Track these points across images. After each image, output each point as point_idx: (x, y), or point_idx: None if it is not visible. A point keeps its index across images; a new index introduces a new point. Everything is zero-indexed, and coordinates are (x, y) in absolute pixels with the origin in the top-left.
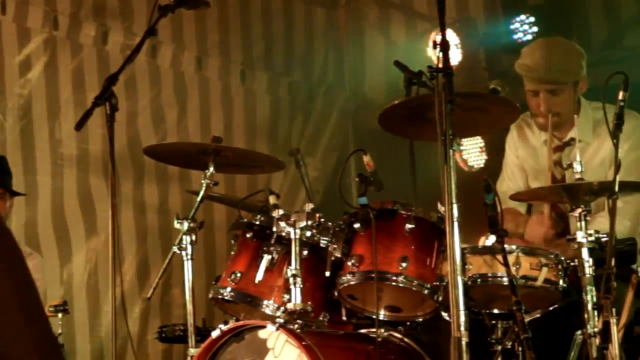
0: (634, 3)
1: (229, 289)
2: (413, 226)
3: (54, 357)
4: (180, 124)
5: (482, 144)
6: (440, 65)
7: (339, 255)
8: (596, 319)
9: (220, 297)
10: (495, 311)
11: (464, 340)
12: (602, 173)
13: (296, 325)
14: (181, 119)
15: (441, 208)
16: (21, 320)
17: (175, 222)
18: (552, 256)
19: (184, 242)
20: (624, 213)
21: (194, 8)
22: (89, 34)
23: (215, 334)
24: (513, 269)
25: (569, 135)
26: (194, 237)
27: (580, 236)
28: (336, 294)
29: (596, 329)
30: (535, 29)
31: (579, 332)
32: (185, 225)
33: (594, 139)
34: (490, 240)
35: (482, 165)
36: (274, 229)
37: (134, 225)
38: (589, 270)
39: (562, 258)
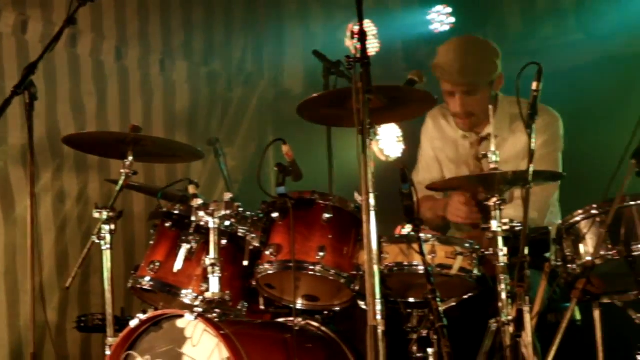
0: None
1: (147, 278)
2: (331, 216)
3: None
4: (100, 113)
5: (399, 134)
6: (358, 55)
7: (257, 245)
8: (510, 307)
9: (139, 286)
10: (411, 300)
11: (380, 329)
12: (515, 166)
13: (214, 315)
14: (101, 108)
15: (358, 197)
16: None
17: (95, 211)
18: (467, 245)
19: (103, 231)
20: (531, 204)
21: None
22: (8, 23)
23: (133, 323)
24: (429, 257)
25: (485, 130)
26: (113, 227)
27: (494, 225)
28: (254, 283)
29: (510, 317)
30: (452, 19)
31: (493, 320)
32: (105, 214)
33: (510, 134)
34: (407, 229)
35: (399, 155)
36: (193, 219)
37: (53, 214)
38: (503, 259)
39: (477, 247)
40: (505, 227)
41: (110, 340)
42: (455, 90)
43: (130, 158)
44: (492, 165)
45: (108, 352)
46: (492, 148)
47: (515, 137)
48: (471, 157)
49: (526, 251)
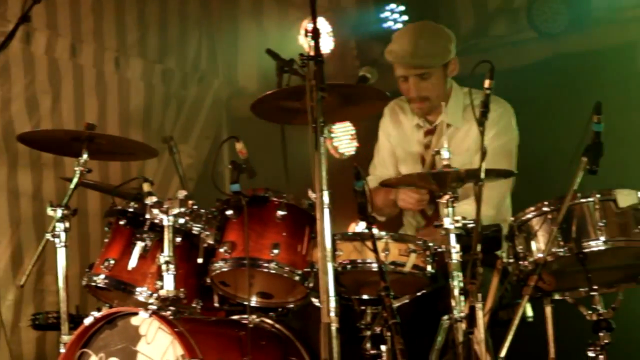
0: None
1: (102, 276)
2: (285, 213)
3: None
4: (55, 111)
5: (353, 131)
6: (312, 53)
7: (211, 242)
8: (462, 304)
9: (93, 284)
10: (365, 297)
11: (334, 326)
12: (468, 159)
13: (169, 312)
14: (55, 106)
15: (312, 195)
16: None
17: (49, 209)
18: (420, 242)
19: (58, 229)
20: (487, 201)
21: None
22: None
23: (87, 321)
24: (382, 255)
25: (439, 118)
26: (67, 224)
27: (447, 222)
28: (209, 280)
29: (462, 314)
30: (405, 17)
31: (445, 317)
32: (59, 212)
33: (463, 123)
34: (360, 226)
35: (352, 153)
36: (147, 216)
37: (7, 212)
38: (455, 256)
39: (430, 244)
40: (457, 225)
41: (64, 338)
42: (408, 75)
43: (85, 156)
44: (444, 162)
45: (62, 350)
46: (445, 144)
47: (469, 127)
48: (424, 148)
49: (478, 248)
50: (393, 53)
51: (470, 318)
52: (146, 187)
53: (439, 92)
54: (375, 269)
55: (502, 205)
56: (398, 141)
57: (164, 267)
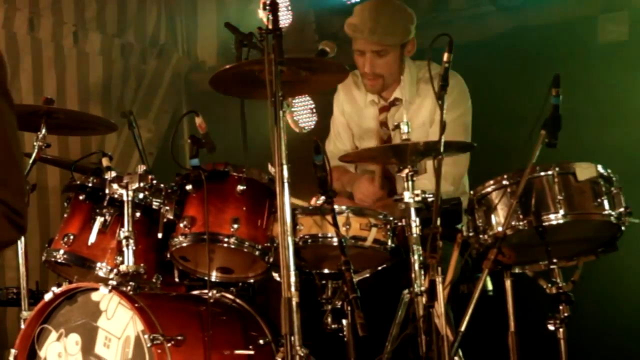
0: None
1: (62, 251)
2: (244, 188)
3: None
4: (13, 85)
5: (312, 106)
6: (270, 27)
7: (171, 217)
8: (423, 278)
9: (53, 259)
10: (326, 271)
11: (295, 300)
12: (423, 132)
13: (129, 287)
14: (13, 80)
15: (272, 169)
16: None
17: None
18: (381, 216)
19: None
20: (446, 177)
21: None
22: None
23: (47, 296)
24: (343, 229)
25: (393, 95)
26: (26, 200)
27: (407, 196)
28: (169, 255)
29: (423, 288)
30: None
31: (406, 291)
32: None
33: (416, 97)
34: (320, 200)
35: (312, 127)
36: (107, 191)
37: None
38: (415, 230)
39: (391, 218)
40: (417, 199)
41: (24, 314)
42: (365, 50)
43: (44, 131)
44: (404, 137)
45: (23, 326)
46: (404, 118)
47: (421, 101)
48: (379, 125)
49: (438, 222)
50: (352, 26)
51: (431, 292)
52: (105, 161)
53: (393, 71)
54: (336, 244)
55: (461, 181)
56: (352, 117)
57: (123, 242)
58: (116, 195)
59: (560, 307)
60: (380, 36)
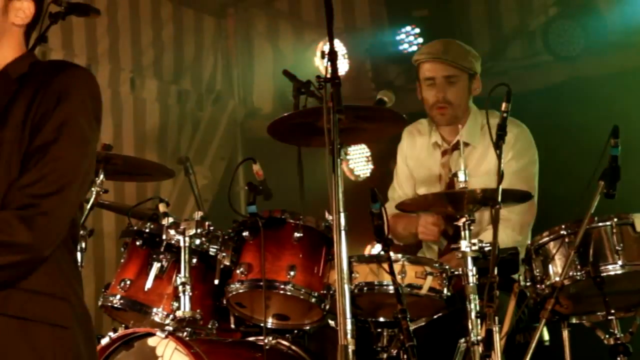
0: (516, 15)
1: (118, 296)
2: (301, 235)
3: None
4: None
5: (369, 154)
6: (329, 75)
7: (227, 264)
8: (479, 327)
9: (109, 304)
10: (381, 319)
11: (351, 348)
12: (488, 182)
13: (185, 333)
14: None
15: (329, 217)
16: None
17: None
18: (437, 265)
19: None
20: (514, 225)
21: (84, 15)
22: None
23: (104, 341)
24: (399, 277)
25: (456, 138)
26: (83, 245)
27: (464, 245)
28: (225, 301)
29: (479, 337)
30: (420, 40)
31: (462, 340)
32: None
33: (480, 142)
34: (376, 248)
35: (368, 175)
36: (164, 237)
37: None
38: (472, 279)
39: (447, 267)
40: (474, 247)
41: None
42: (436, 75)
43: (101, 176)
44: (461, 185)
45: None
46: (462, 166)
47: (486, 146)
48: (442, 167)
49: (495, 271)
50: (424, 52)
51: (487, 341)
52: (162, 207)
53: (462, 102)
54: (392, 291)
55: (528, 230)
56: (415, 163)
57: (180, 288)
58: (173, 241)
59: (618, 359)
60: (453, 56)
